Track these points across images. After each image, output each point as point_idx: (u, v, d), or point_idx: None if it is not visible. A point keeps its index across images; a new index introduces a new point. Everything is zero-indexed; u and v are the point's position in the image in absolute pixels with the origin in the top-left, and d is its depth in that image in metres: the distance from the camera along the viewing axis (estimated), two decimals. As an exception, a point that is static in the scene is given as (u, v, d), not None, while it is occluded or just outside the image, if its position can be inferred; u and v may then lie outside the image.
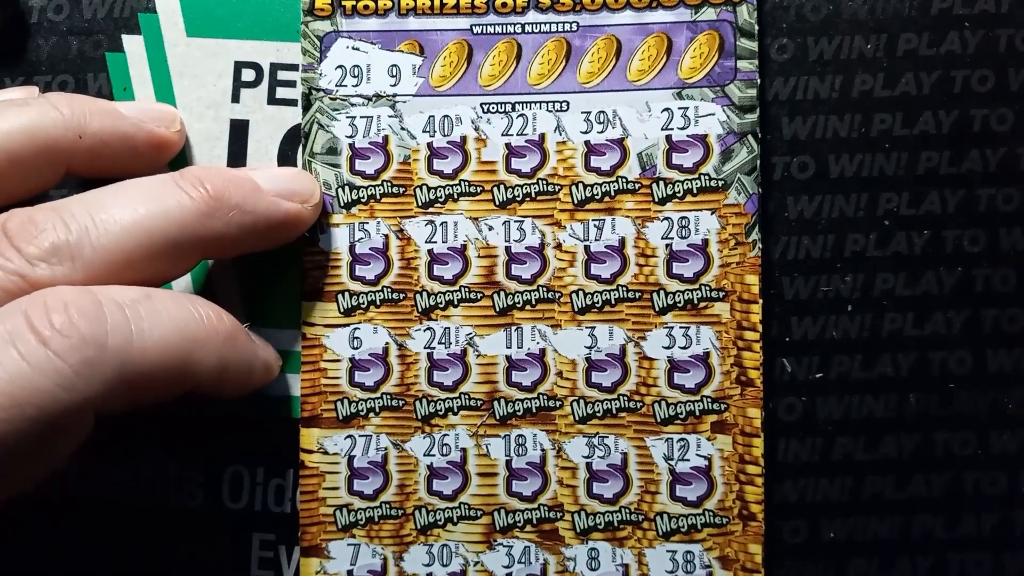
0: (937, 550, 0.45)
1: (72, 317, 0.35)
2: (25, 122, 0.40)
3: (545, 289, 0.44)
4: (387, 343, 0.44)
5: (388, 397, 0.44)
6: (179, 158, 0.45)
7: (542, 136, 0.44)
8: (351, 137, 0.44)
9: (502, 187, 0.44)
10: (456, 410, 0.44)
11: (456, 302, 0.44)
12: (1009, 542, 0.45)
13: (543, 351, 0.44)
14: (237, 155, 0.45)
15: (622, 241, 0.44)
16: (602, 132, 0.44)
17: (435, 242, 0.44)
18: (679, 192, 0.44)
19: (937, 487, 0.45)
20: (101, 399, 0.36)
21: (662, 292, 0.44)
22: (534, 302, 0.44)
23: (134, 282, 0.38)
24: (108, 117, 0.42)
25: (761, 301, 0.44)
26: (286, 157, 0.45)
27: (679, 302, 0.44)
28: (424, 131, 0.44)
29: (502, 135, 0.44)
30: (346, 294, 0.44)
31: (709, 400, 0.44)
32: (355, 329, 0.44)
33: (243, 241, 0.40)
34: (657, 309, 0.44)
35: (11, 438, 0.34)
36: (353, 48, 0.45)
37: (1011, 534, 0.45)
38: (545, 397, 0.44)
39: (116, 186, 0.39)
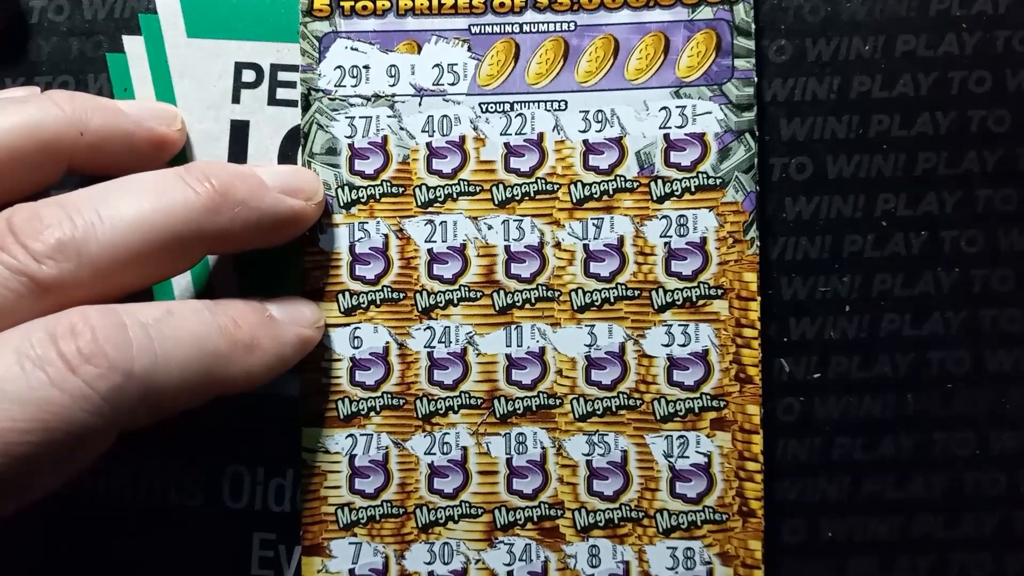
0: (937, 550, 0.45)
1: (99, 343, 0.35)
2: (26, 119, 0.40)
3: (544, 288, 0.44)
4: (387, 342, 0.44)
5: (389, 396, 0.44)
6: (180, 158, 0.45)
7: (540, 135, 0.44)
8: (350, 137, 0.45)
9: (501, 186, 0.44)
10: (456, 409, 0.44)
11: (456, 301, 0.44)
12: (1009, 542, 0.45)
13: (543, 349, 0.44)
14: (237, 156, 0.45)
15: (621, 239, 0.44)
16: (600, 131, 0.44)
17: (435, 241, 0.44)
18: (677, 190, 0.44)
19: (937, 487, 0.45)
20: (127, 420, 0.36)
21: (661, 290, 0.44)
22: (533, 301, 0.44)
23: (139, 278, 0.39)
24: (109, 114, 0.42)
25: (759, 298, 0.44)
26: (286, 158, 0.45)
27: (678, 300, 0.44)
28: (423, 131, 0.45)
29: (501, 134, 0.44)
30: (346, 294, 0.44)
31: (708, 397, 0.44)
32: (355, 328, 0.44)
33: (247, 237, 0.40)
34: (656, 307, 0.44)
35: (38, 457, 0.34)
36: (352, 48, 0.45)
37: (1011, 534, 0.45)
38: (545, 395, 0.44)
39: (120, 180, 0.39)
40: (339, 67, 0.45)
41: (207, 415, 0.42)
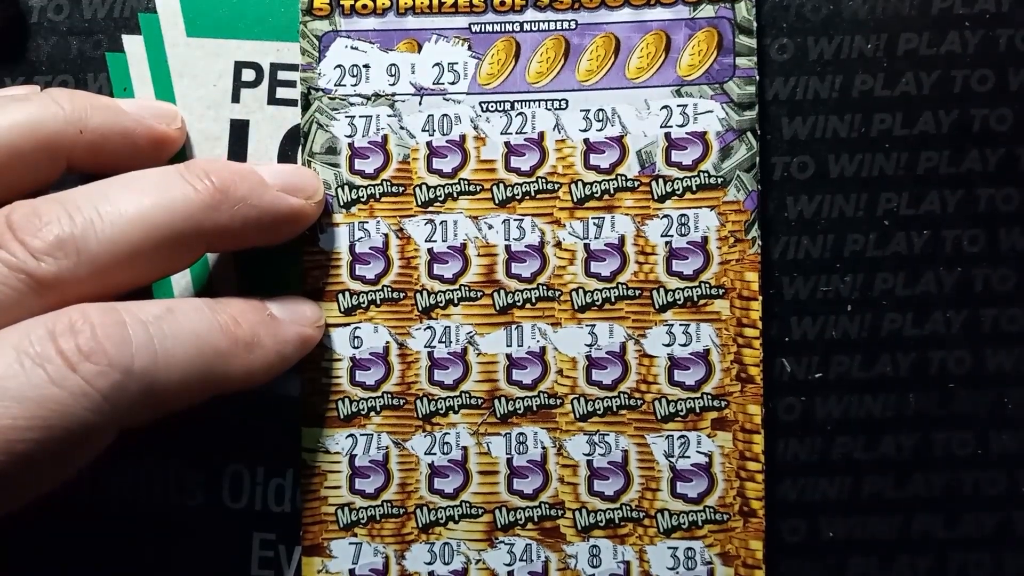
0: (937, 550, 0.45)
1: (99, 341, 0.35)
2: (26, 116, 0.40)
3: (545, 287, 0.44)
4: (387, 342, 0.44)
5: (389, 396, 0.44)
6: (179, 157, 0.44)
7: (541, 134, 0.44)
8: (350, 136, 0.45)
9: (501, 185, 0.44)
10: (457, 408, 0.44)
11: (456, 301, 0.44)
12: (1009, 542, 0.45)
13: (543, 349, 0.44)
14: (237, 155, 0.45)
15: (622, 239, 0.44)
16: (601, 130, 0.44)
17: (435, 241, 0.44)
18: (678, 189, 0.44)
19: (937, 487, 0.45)
20: (127, 418, 0.36)
21: (662, 289, 0.44)
22: (534, 300, 0.44)
23: (139, 275, 0.39)
24: (109, 113, 0.42)
25: (761, 298, 0.44)
26: (286, 157, 0.45)
27: (679, 299, 0.44)
28: (423, 130, 0.45)
29: (501, 134, 0.44)
30: (346, 293, 0.44)
31: (709, 397, 0.44)
32: (355, 328, 0.44)
33: (247, 234, 0.40)
34: (657, 306, 0.44)
35: (38, 455, 0.34)
36: (352, 48, 0.45)
37: (1011, 534, 0.45)
38: (545, 395, 0.44)
39: (121, 177, 0.39)
40: (339, 66, 0.45)
41: (207, 415, 0.42)
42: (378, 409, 0.44)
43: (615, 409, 0.44)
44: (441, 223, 0.44)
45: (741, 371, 0.44)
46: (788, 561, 0.45)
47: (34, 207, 0.37)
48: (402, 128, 0.45)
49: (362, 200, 0.44)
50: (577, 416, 0.44)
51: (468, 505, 0.44)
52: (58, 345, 0.35)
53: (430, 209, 0.44)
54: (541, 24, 0.44)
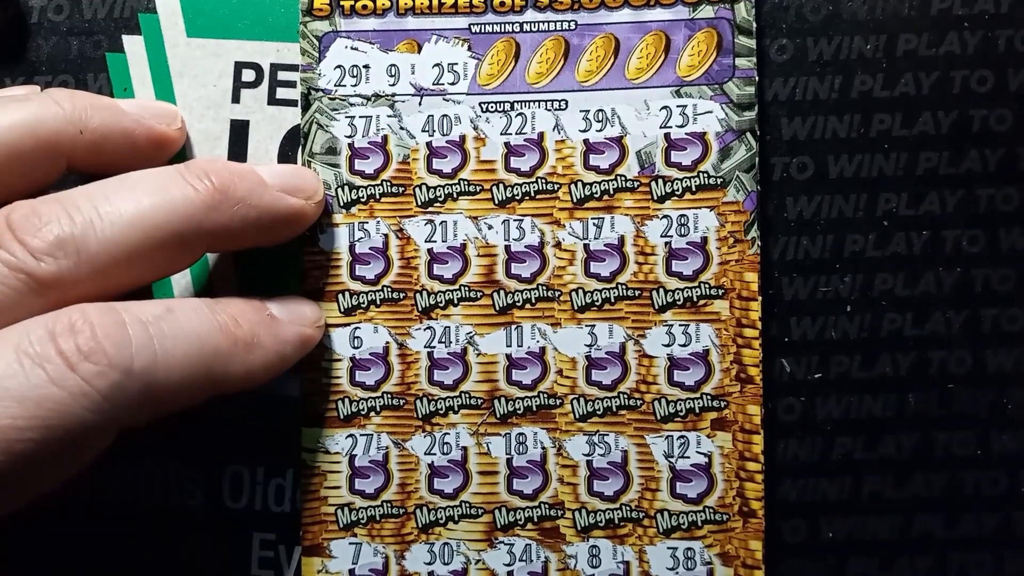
0: (937, 550, 0.45)
1: (99, 341, 0.35)
2: (26, 116, 0.40)
3: (545, 288, 0.44)
4: (387, 342, 0.44)
5: (389, 396, 0.44)
6: (180, 158, 0.44)
7: (541, 135, 0.44)
8: (350, 137, 0.45)
9: (501, 186, 0.44)
10: (457, 409, 0.44)
11: (456, 301, 0.44)
12: (1009, 542, 0.45)
13: (543, 349, 0.44)
14: (237, 155, 0.45)
15: (621, 239, 0.44)
16: (601, 130, 0.44)
17: (435, 241, 0.44)
18: (678, 190, 0.44)
19: (937, 487, 0.45)
20: (127, 418, 0.36)
21: (661, 290, 0.44)
22: (534, 301, 0.44)
23: (139, 275, 0.39)
24: (109, 113, 0.42)
25: (760, 298, 0.44)
26: (286, 157, 0.45)
27: (678, 300, 0.44)
28: (423, 130, 0.45)
29: (501, 134, 0.44)
30: (346, 294, 0.44)
31: (709, 397, 0.44)
32: (355, 329, 0.44)
33: (247, 235, 0.40)
34: (657, 307, 0.44)
35: (38, 455, 0.34)
36: (352, 48, 0.45)
37: (1011, 534, 0.45)
38: (545, 395, 0.44)
39: (121, 177, 0.39)
40: (339, 67, 0.45)
41: (207, 415, 0.42)
42: (378, 409, 0.44)
43: (615, 409, 0.44)
44: (441, 223, 0.44)
45: (741, 371, 0.44)
46: (788, 561, 0.45)
47: (34, 207, 0.37)
48: (402, 128, 0.45)
49: (362, 200, 0.44)
50: (577, 416, 0.44)
51: (468, 505, 0.44)
52: (58, 345, 0.35)
53: (430, 209, 0.44)
54: (541, 24, 0.44)
